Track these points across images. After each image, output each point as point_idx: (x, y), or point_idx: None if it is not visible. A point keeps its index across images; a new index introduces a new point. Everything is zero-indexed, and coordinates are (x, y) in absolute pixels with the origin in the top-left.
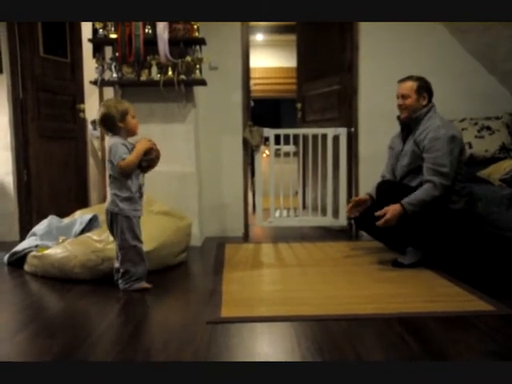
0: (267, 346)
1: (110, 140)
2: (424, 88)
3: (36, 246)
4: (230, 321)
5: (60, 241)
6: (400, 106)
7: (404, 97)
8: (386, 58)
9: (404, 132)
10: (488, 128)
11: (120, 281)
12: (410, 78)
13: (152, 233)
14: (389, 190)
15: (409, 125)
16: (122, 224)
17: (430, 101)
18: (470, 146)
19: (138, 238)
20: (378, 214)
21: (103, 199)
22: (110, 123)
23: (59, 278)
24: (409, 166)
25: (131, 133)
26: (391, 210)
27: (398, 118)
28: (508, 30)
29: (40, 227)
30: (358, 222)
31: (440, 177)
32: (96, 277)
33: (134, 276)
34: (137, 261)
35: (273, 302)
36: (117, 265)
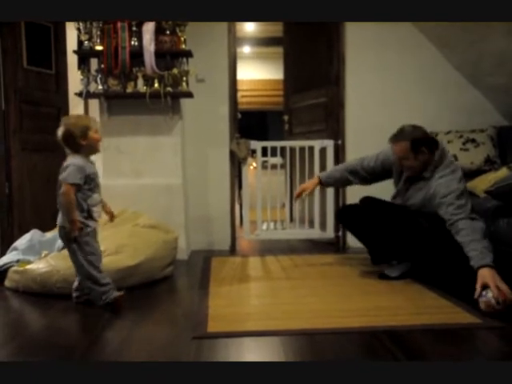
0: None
1: (69, 158)
2: (419, 143)
3: (17, 261)
4: (217, 336)
5: (42, 255)
6: (402, 168)
7: (402, 159)
8: (372, 71)
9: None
10: (473, 140)
11: (87, 298)
12: (401, 136)
13: (138, 246)
14: (372, 205)
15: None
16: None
17: (431, 150)
18: (456, 159)
19: (92, 253)
20: (477, 296)
21: None
22: (71, 141)
23: (41, 294)
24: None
25: (94, 149)
26: (490, 278)
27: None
28: (491, 45)
29: (22, 241)
30: (343, 220)
31: (467, 212)
32: None
33: (99, 291)
34: (95, 275)
35: (260, 316)
36: (76, 283)
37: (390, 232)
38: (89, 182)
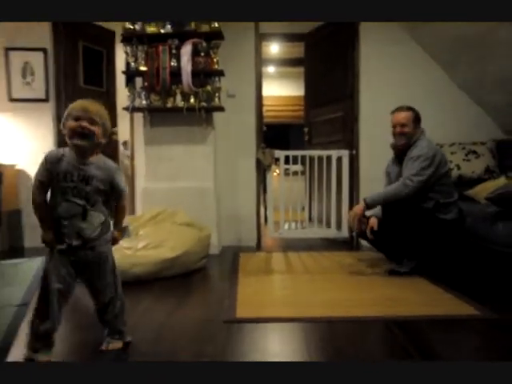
0: (278, 343)
1: None
2: (418, 118)
3: None
4: (245, 320)
5: None
6: (399, 134)
7: (403, 125)
8: (384, 88)
9: (397, 158)
10: (474, 152)
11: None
12: (403, 107)
13: (177, 241)
14: (394, 209)
15: (403, 151)
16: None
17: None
18: (459, 168)
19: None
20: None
21: (132, 212)
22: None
23: None
24: None
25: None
26: (355, 208)
27: (393, 146)
28: (492, 66)
29: None
30: (361, 234)
31: (416, 181)
32: (125, 280)
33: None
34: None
35: (283, 304)
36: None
37: (402, 230)
38: (59, 183)
